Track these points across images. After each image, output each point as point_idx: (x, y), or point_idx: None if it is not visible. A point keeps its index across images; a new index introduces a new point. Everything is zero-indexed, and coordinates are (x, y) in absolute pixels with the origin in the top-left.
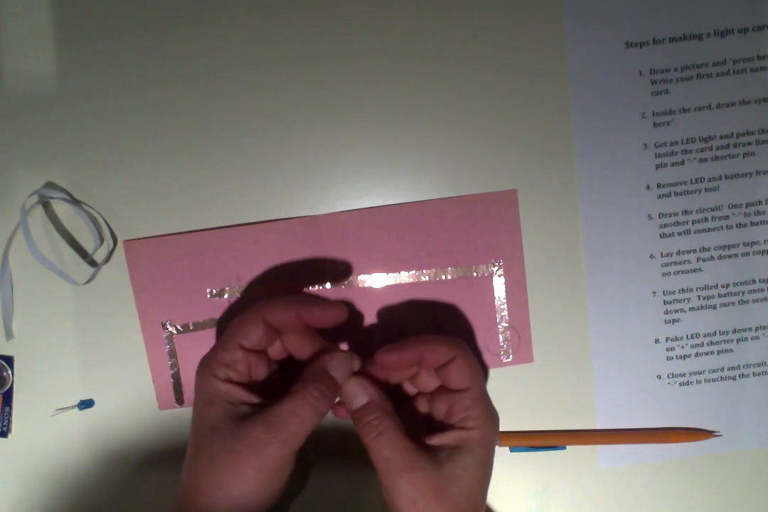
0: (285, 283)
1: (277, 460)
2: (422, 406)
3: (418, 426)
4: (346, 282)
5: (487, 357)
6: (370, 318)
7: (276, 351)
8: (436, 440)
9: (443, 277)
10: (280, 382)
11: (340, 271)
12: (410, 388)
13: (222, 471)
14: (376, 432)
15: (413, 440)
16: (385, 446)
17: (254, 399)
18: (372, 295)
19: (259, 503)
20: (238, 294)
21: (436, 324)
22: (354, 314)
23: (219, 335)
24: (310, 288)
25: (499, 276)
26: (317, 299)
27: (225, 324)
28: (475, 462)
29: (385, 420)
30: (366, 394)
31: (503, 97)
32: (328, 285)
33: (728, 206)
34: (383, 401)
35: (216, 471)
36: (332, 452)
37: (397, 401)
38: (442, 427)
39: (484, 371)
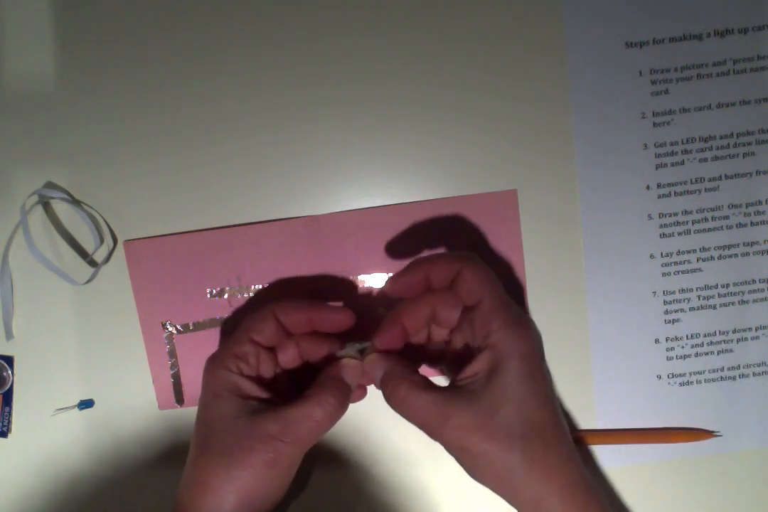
0: (291, 284)
1: (288, 459)
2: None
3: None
4: (346, 282)
5: None
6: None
7: (288, 357)
8: (464, 374)
9: None
10: (288, 386)
11: (340, 271)
12: (440, 338)
13: (233, 465)
14: (399, 399)
15: (443, 389)
16: (413, 408)
17: (264, 395)
18: (372, 295)
19: (266, 500)
20: (238, 295)
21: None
22: (355, 313)
23: (223, 335)
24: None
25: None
26: (327, 305)
27: (230, 326)
28: (514, 378)
29: (402, 384)
30: (381, 368)
31: (503, 97)
32: (328, 285)
33: (728, 206)
34: (397, 367)
35: (226, 465)
36: (332, 453)
37: (435, 356)
38: (476, 354)
39: None
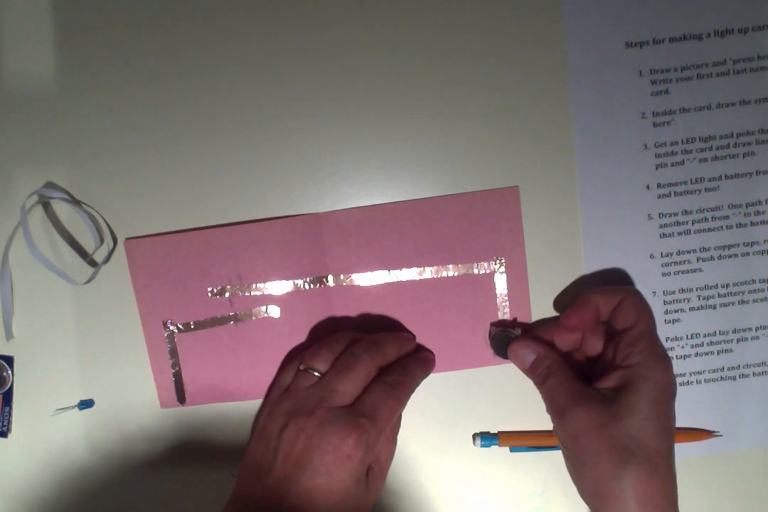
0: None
1: None
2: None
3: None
4: (347, 280)
5: (488, 354)
6: (372, 316)
7: None
8: (601, 381)
9: (445, 274)
10: None
11: (342, 269)
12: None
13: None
14: (544, 377)
15: (583, 384)
16: (552, 386)
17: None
18: (374, 293)
19: None
20: (239, 293)
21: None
22: (356, 312)
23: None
24: (312, 286)
25: (501, 273)
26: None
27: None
28: (643, 399)
29: (552, 366)
30: (532, 352)
31: (505, 97)
32: (329, 283)
33: (728, 206)
34: (550, 352)
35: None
36: None
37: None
38: (611, 370)
39: (481, 368)
